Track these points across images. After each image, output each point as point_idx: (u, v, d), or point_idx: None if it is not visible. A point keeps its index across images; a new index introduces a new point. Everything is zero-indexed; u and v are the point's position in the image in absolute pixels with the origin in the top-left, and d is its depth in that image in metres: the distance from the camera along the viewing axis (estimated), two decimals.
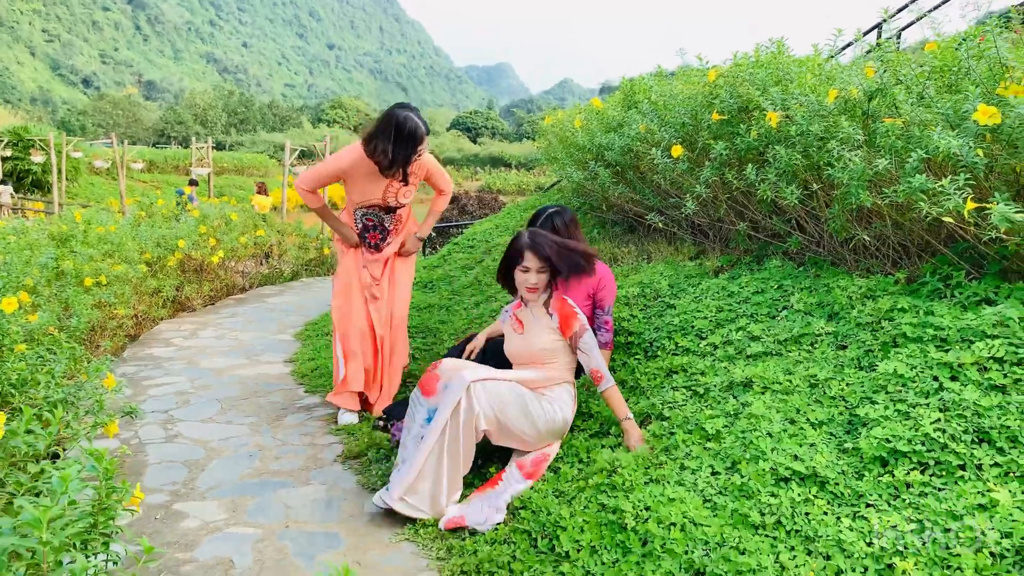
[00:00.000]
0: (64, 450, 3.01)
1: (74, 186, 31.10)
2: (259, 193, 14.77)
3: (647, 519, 2.53)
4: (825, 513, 2.37)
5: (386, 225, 4.30)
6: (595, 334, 3.85)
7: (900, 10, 10.01)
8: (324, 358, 5.29)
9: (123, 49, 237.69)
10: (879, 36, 9.71)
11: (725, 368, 3.38)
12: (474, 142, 74.11)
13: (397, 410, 3.81)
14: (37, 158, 25.89)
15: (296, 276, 10.07)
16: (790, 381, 3.00)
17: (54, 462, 2.60)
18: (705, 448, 2.88)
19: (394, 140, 3.94)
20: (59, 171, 23.81)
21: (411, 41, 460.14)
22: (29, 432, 2.43)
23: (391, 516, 2.98)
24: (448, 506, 2.96)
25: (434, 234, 15.20)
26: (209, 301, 7.98)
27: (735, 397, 3.12)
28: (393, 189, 4.18)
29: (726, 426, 2.94)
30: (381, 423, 3.84)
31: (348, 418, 4.11)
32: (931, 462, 2.36)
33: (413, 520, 2.93)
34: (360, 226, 4.29)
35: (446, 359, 3.25)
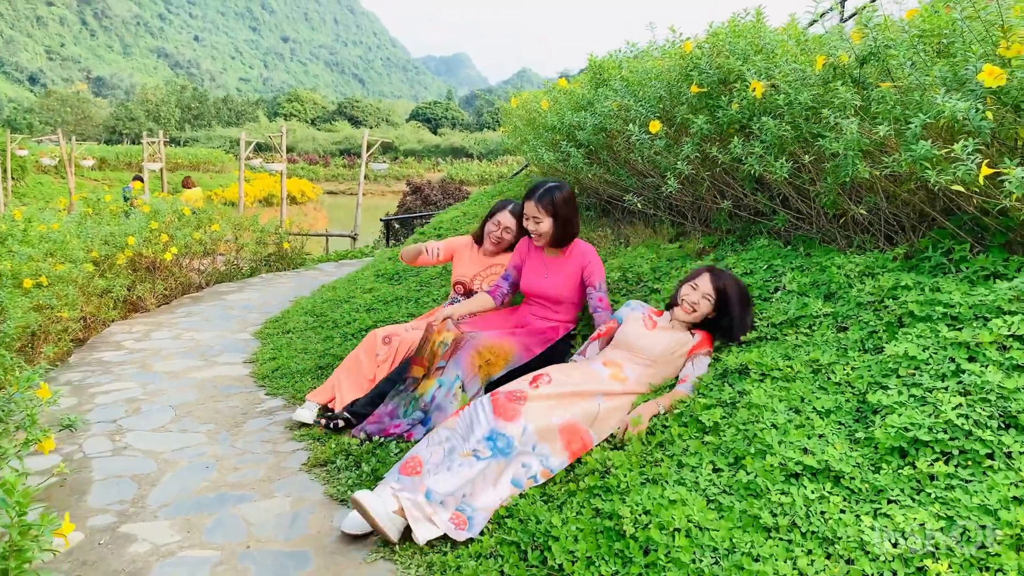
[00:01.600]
0: None
1: (21, 185, 30.09)
2: (185, 188, 14.36)
3: (647, 524, 2.30)
4: (843, 511, 2.16)
5: None
6: (593, 317, 3.68)
7: None
8: (285, 357, 4.98)
9: (70, 45, 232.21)
10: (842, 7, 9.57)
11: (716, 355, 3.16)
12: (434, 133, 73.37)
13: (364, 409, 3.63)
14: None
15: (255, 272, 9.68)
16: (791, 367, 2.79)
17: None
18: (703, 443, 2.66)
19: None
20: (3, 170, 22.97)
21: (366, 32, 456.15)
22: None
23: (364, 532, 2.71)
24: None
25: (398, 225, 14.87)
26: (164, 300, 7.59)
27: (731, 385, 2.90)
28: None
29: (724, 417, 2.72)
30: (340, 422, 3.60)
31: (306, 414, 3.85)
32: (955, 451, 2.16)
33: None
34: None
35: (532, 394, 2.94)
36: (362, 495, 2.59)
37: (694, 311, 3.21)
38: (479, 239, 4.39)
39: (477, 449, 2.75)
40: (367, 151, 16.58)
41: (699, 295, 3.21)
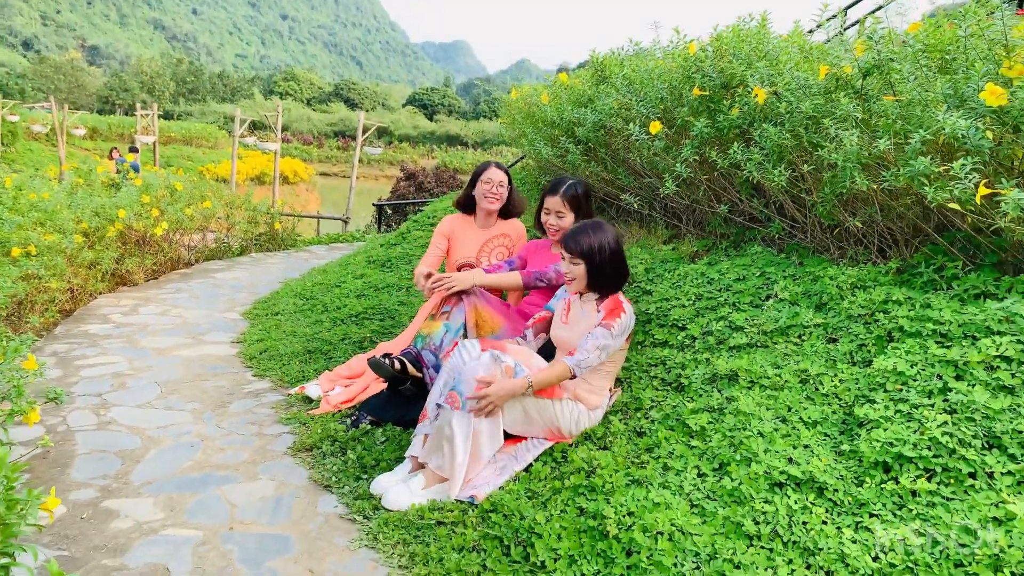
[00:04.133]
0: None
1: (10, 151, 29.80)
2: (110, 158, 14.62)
3: (631, 526, 2.31)
4: (824, 523, 2.18)
5: None
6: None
7: None
8: (274, 339, 4.97)
9: (65, 12, 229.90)
10: (844, 20, 9.58)
11: (706, 359, 3.17)
12: (430, 119, 73.11)
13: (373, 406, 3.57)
14: None
15: (245, 251, 9.64)
16: (779, 376, 2.80)
17: None
18: (689, 447, 2.67)
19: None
20: None
21: (366, 15, 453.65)
22: None
23: (347, 518, 2.72)
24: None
25: (390, 210, 14.83)
26: (152, 275, 7.54)
27: (719, 391, 2.92)
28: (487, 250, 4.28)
29: (711, 422, 2.74)
30: (354, 416, 3.55)
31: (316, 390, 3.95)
32: (938, 469, 2.18)
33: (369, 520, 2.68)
34: None
35: (509, 344, 3.18)
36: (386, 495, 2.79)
37: (571, 279, 3.16)
38: (467, 206, 4.30)
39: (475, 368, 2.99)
40: (363, 135, 16.52)
41: (566, 264, 3.15)
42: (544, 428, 3.00)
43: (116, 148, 15.21)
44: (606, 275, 3.10)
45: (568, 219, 3.69)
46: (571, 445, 2.96)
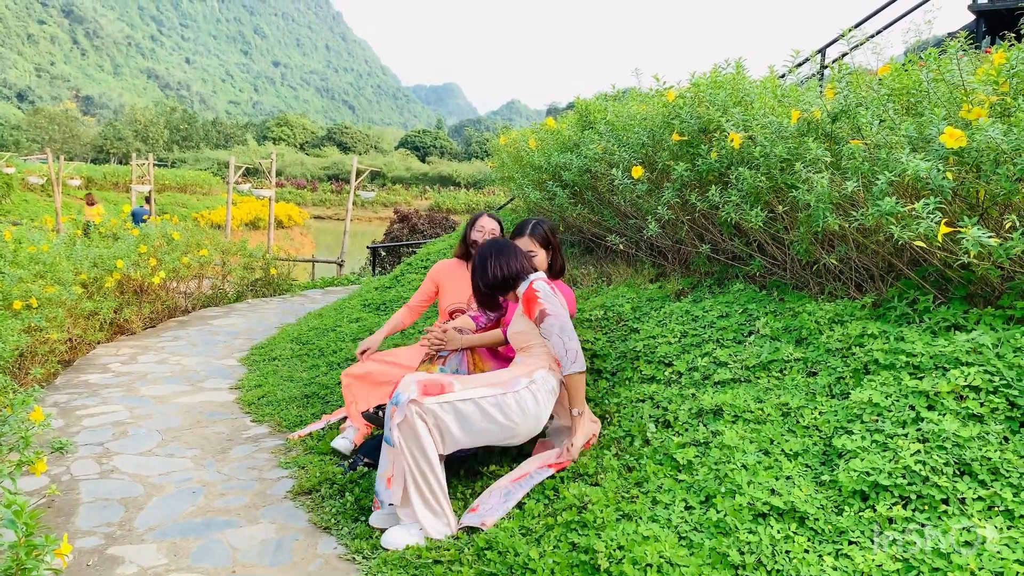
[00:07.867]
0: None
1: (6, 202, 30.02)
2: (89, 205, 14.98)
3: (621, 559, 2.40)
4: (806, 551, 2.27)
5: None
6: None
7: (836, 39, 10.23)
8: (272, 385, 5.06)
9: (60, 63, 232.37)
10: (823, 60, 9.87)
11: (692, 395, 3.28)
12: (423, 161, 73.87)
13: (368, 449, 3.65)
14: None
15: (241, 297, 9.75)
16: (761, 409, 2.91)
17: None
18: (677, 480, 2.77)
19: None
20: None
21: (358, 60, 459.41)
22: None
23: (346, 559, 2.80)
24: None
25: (384, 253, 14.97)
26: (150, 323, 7.65)
27: (704, 425, 3.02)
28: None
29: (698, 456, 2.84)
30: (351, 460, 3.64)
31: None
32: (913, 496, 2.28)
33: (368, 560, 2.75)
34: None
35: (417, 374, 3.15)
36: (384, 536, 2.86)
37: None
38: (465, 255, 4.37)
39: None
40: (356, 179, 16.72)
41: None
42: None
43: (91, 194, 15.59)
44: (493, 289, 3.36)
45: (540, 255, 3.81)
46: (561, 480, 3.04)
